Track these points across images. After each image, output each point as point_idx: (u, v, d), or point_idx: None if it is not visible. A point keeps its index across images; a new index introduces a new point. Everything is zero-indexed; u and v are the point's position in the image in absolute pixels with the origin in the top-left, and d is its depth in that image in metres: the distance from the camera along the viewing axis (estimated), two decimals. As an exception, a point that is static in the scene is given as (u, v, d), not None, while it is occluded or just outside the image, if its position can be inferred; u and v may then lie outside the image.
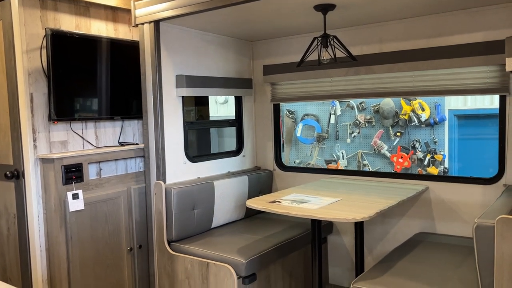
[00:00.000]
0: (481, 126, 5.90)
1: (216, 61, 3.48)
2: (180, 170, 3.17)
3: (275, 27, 3.21)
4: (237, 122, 3.76)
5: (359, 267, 3.08)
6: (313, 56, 3.00)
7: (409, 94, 3.10)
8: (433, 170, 5.63)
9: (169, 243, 2.99)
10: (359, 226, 3.09)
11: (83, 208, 2.81)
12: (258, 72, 3.77)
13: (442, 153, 5.78)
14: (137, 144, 3.28)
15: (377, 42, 3.17)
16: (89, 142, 3.08)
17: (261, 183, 3.64)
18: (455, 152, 6.01)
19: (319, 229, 2.59)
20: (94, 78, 3.02)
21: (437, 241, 2.84)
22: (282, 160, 3.81)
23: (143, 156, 3.16)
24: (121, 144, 3.23)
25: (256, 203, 2.59)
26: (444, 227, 3.01)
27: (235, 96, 3.73)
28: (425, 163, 5.80)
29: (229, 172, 3.58)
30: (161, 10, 2.85)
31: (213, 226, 3.25)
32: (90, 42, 2.98)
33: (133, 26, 3.06)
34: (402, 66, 3.03)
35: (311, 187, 3.06)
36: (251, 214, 3.59)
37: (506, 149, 2.77)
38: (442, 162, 5.74)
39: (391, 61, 3.07)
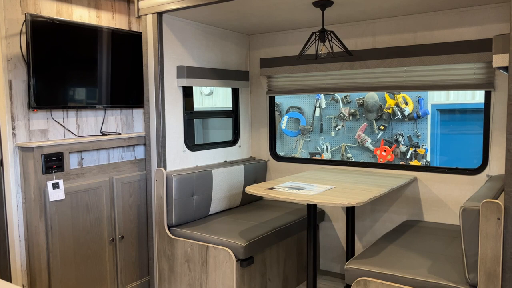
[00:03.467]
0: (463, 120, 6.06)
1: (215, 53, 3.58)
2: (180, 158, 3.28)
3: (273, 21, 3.33)
4: (233, 114, 3.87)
5: (350, 252, 3.24)
6: (309, 51, 3.13)
7: (400, 88, 3.25)
8: (415, 164, 5.79)
9: (169, 227, 3.10)
10: (350, 213, 3.25)
11: (64, 198, 2.76)
12: (255, 65, 3.89)
13: (424, 146, 5.93)
14: (119, 134, 3.25)
15: (370, 38, 3.31)
16: (70, 131, 3.03)
17: (256, 172, 3.76)
18: (437, 146, 6.15)
19: (315, 214, 2.73)
20: (75, 65, 2.94)
21: (425, 228, 3.01)
22: (277, 151, 3.95)
23: (134, 145, 3.22)
24: (103, 133, 3.20)
25: (256, 189, 2.71)
26: (431, 215, 3.18)
27: (232, 88, 3.84)
28: (408, 156, 5.94)
29: (225, 161, 3.70)
30: (165, 3, 2.94)
31: (210, 212, 3.36)
32: (71, 29, 2.89)
33: (137, 17, 3.14)
34: (393, 61, 3.18)
35: (306, 176, 3.20)
36: (246, 202, 3.72)
37: (490, 142, 2.95)
38: (424, 156, 5.90)
39: (383, 56, 3.22)
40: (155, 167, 3.16)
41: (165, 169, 3.12)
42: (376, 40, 3.29)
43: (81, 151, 2.96)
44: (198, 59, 3.41)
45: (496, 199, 1.99)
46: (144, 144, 3.27)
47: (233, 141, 3.86)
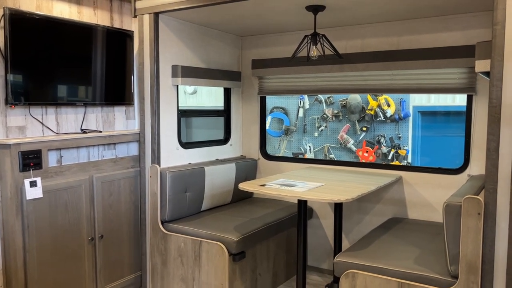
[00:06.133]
0: (444, 122, 6.23)
1: (209, 54, 3.66)
2: (173, 155, 3.35)
3: (267, 24, 3.43)
4: (225, 113, 3.96)
5: (338, 248, 3.36)
6: (301, 53, 3.24)
7: (387, 91, 3.39)
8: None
9: (162, 223, 3.17)
10: (338, 210, 3.37)
11: (42, 196, 2.71)
12: (247, 66, 3.98)
13: (405, 148, 6.08)
14: (100, 131, 3.20)
15: (359, 42, 3.44)
16: (49, 128, 2.97)
17: (247, 170, 3.86)
18: (418, 147, 6.29)
19: (305, 210, 2.84)
20: (55, 61, 2.88)
21: (409, 224, 3.15)
22: (267, 150, 4.05)
23: (115, 143, 3.18)
24: (84, 131, 3.14)
25: (249, 186, 2.80)
26: (415, 213, 3.32)
27: (224, 88, 3.93)
28: (389, 157, 6.09)
29: (217, 159, 3.79)
30: (162, 4, 3.01)
31: (202, 208, 3.44)
32: (51, 24, 2.84)
33: (133, 17, 3.20)
34: (380, 65, 3.32)
35: (296, 174, 3.31)
36: (237, 200, 3.81)
37: (471, 144, 3.11)
38: (405, 157, 6.06)
39: (371, 60, 3.35)
40: (149, 163, 3.23)
41: (159, 166, 3.19)
42: (365, 44, 3.42)
43: (60, 149, 2.89)
44: (192, 59, 3.49)
45: (477, 196, 2.13)
46: (138, 141, 3.32)
47: (225, 140, 3.95)
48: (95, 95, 3.17)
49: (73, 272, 2.94)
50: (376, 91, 3.43)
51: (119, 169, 3.23)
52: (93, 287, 3.06)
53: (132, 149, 3.36)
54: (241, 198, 3.85)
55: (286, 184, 2.88)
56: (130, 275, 3.33)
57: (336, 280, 3.38)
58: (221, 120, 3.98)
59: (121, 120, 3.45)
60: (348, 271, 2.46)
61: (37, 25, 2.77)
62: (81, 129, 3.16)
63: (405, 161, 6.03)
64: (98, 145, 3.13)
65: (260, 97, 3.99)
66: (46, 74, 2.85)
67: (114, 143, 3.24)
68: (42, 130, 2.94)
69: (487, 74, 2.40)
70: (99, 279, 3.09)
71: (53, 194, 2.79)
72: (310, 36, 3.00)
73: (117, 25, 3.39)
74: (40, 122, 2.92)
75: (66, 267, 2.90)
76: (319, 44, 3.00)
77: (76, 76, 3.02)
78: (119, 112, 3.44)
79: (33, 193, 2.67)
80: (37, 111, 2.90)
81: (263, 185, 2.84)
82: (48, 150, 2.78)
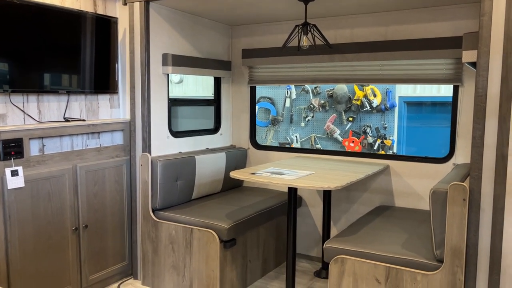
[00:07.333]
0: (429, 113, 6.32)
1: (199, 43, 3.67)
2: (164, 144, 3.36)
3: (258, 13, 3.45)
4: (215, 102, 3.97)
5: (326, 235, 3.43)
6: (292, 43, 3.27)
7: (375, 81, 3.44)
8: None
9: (153, 211, 3.19)
10: (327, 199, 3.43)
11: (24, 185, 2.66)
12: (237, 56, 4.00)
13: (391, 138, 6.15)
14: (84, 120, 3.13)
15: (349, 32, 3.48)
16: (30, 117, 2.88)
17: (237, 159, 3.89)
18: (403, 138, 6.37)
19: (295, 197, 2.89)
20: (36, 48, 2.78)
21: (396, 212, 3.22)
22: (257, 139, 4.08)
23: (99, 132, 3.15)
24: (67, 120, 3.07)
25: (240, 174, 2.84)
26: (402, 201, 3.40)
27: (214, 77, 3.94)
28: (375, 148, 6.16)
29: (207, 148, 3.81)
30: (153, -9, 3.01)
31: (193, 197, 3.47)
32: (33, 9, 2.75)
33: (123, 5, 3.19)
34: (369, 55, 3.36)
35: (285, 163, 3.35)
36: (227, 188, 3.85)
37: (457, 134, 3.18)
38: (391, 147, 6.14)
39: (360, 50, 3.40)
40: (139, 152, 3.24)
41: (150, 154, 3.20)
42: (354, 34, 3.46)
43: (42, 138, 2.82)
44: (182, 48, 3.49)
45: (462, 183, 2.20)
46: (123, 130, 3.29)
47: (215, 129, 3.97)
48: (78, 83, 3.09)
49: (56, 262, 2.91)
50: (365, 81, 3.49)
51: (103, 158, 3.19)
52: (78, 277, 3.04)
53: (117, 138, 3.32)
54: (231, 187, 3.89)
55: (276, 173, 2.92)
56: (116, 265, 3.31)
57: (325, 266, 3.47)
58: (208, 109, 3.99)
59: (105, 109, 3.39)
60: (337, 256, 2.52)
61: (18, 11, 2.68)
62: (64, 118, 3.08)
63: (391, 151, 6.11)
64: (81, 134, 3.08)
65: (250, 86, 4.01)
66: (27, 61, 2.76)
67: (98, 132, 3.20)
68: (24, 118, 2.86)
69: (473, 64, 2.47)
70: (83, 270, 3.07)
71: (35, 183, 2.74)
72: (300, 26, 3.02)
73: (100, 11, 3.30)
74: (21, 110, 2.84)
75: (50, 257, 2.86)
76: (309, 34, 3.03)
77: (59, 63, 2.94)
78: (103, 100, 3.37)
79: (15, 182, 2.62)
80: (18, 98, 2.82)
81: (254, 173, 2.88)
82: (30, 138, 2.73)
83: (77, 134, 3.05)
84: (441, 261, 2.30)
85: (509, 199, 2.12)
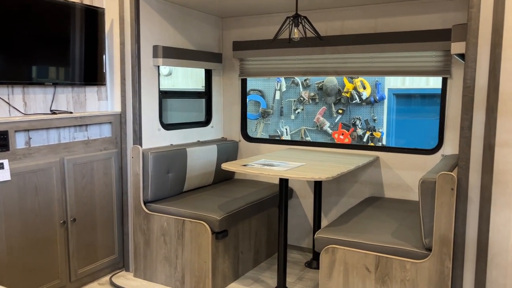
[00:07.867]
0: (418, 105, 6.39)
1: (190, 35, 3.65)
2: (155, 136, 3.36)
3: (248, 5, 3.44)
4: (206, 95, 3.97)
5: (317, 226, 3.47)
6: (283, 35, 3.27)
7: (366, 73, 3.47)
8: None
9: (145, 203, 3.19)
10: (318, 190, 3.46)
11: (10, 179, 2.61)
12: (228, 48, 3.99)
13: (380, 130, 6.20)
14: (71, 112, 3.07)
15: (339, 25, 3.50)
16: (16, 109, 2.82)
17: (228, 152, 3.90)
18: (392, 130, 6.44)
19: (286, 188, 2.91)
20: (21, 38, 2.72)
21: (386, 202, 3.27)
22: (248, 132, 4.09)
23: (87, 125, 3.11)
24: (53, 112, 3.00)
25: (232, 166, 2.85)
26: (391, 192, 3.45)
27: (205, 70, 3.94)
28: (365, 140, 6.21)
29: (198, 141, 3.81)
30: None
31: (184, 189, 3.48)
32: None
33: (113, -4, 3.16)
34: (359, 47, 3.39)
35: (276, 155, 3.37)
36: (218, 181, 3.86)
37: (445, 125, 3.23)
38: (380, 139, 6.19)
39: (350, 43, 3.42)
40: (130, 144, 3.23)
41: (141, 146, 3.19)
42: (344, 26, 3.48)
43: (28, 130, 2.77)
44: (173, 40, 3.48)
45: (451, 172, 2.24)
46: (111, 123, 3.28)
47: (206, 122, 3.97)
48: (65, 74, 3.02)
49: (44, 256, 2.87)
50: (355, 73, 3.51)
51: (91, 151, 3.16)
52: (66, 271, 3.02)
53: (105, 131, 3.28)
54: (222, 179, 3.90)
55: (267, 164, 2.94)
56: (105, 258, 3.29)
57: (316, 257, 3.51)
58: (199, 102, 3.98)
59: (93, 101, 3.34)
60: (328, 246, 2.55)
61: (3, 1, 2.61)
62: (51, 110, 3.02)
63: (380, 143, 6.16)
64: (69, 126, 3.03)
65: (241, 79, 4.01)
66: (12, 52, 2.70)
67: (86, 125, 3.15)
68: (9, 110, 2.80)
69: (462, 56, 2.50)
70: (72, 263, 3.05)
71: (22, 176, 2.70)
72: (291, 18, 3.03)
73: (87, 1, 3.23)
74: (6, 102, 2.78)
75: (38, 251, 2.83)
76: (300, 26, 3.04)
77: (45, 54, 2.87)
78: (90, 92, 3.32)
79: (0, 175, 2.57)
80: (2, 90, 2.76)
81: (245, 165, 2.89)
82: (15, 131, 2.68)
83: (64, 127, 3.01)
84: (429, 249, 2.34)
85: (496, 188, 2.17)
